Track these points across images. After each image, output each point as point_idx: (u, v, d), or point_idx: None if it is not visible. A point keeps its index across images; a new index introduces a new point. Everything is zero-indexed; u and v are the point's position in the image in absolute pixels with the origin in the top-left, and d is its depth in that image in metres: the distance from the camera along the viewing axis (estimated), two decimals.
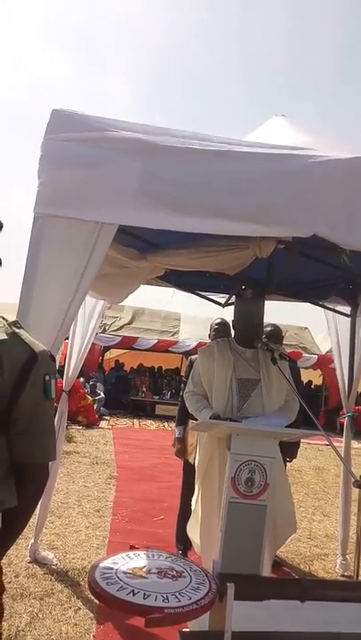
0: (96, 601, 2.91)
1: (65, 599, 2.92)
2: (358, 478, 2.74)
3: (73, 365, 3.51)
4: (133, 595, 1.19)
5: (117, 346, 13.56)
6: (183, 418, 3.71)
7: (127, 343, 13.28)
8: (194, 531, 2.87)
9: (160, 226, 1.93)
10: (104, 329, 12.84)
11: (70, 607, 2.84)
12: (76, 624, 2.67)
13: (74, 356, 3.51)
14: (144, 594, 1.20)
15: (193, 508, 2.91)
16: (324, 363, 12.75)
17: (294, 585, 1.54)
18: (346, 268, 2.39)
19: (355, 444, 5.96)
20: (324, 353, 13.16)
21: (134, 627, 2.69)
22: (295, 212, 1.91)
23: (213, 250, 2.63)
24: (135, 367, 15.28)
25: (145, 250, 2.68)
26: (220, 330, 3.84)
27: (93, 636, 2.58)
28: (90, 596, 2.96)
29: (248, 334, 2.87)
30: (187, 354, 11.46)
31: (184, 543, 3.58)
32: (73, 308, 1.85)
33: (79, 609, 2.83)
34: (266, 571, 2.75)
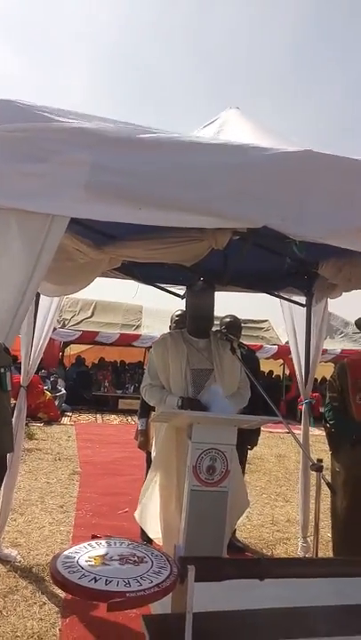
0: (61, 595, 2.91)
1: (29, 595, 2.90)
2: (315, 462, 2.83)
3: (31, 361, 3.46)
4: (95, 581, 1.20)
5: (78, 341, 13.40)
6: (146, 410, 3.72)
7: (88, 338, 13.15)
8: (147, 519, 2.88)
9: (112, 218, 1.93)
10: (63, 324, 12.67)
11: (35, 603, 2.82)
12: (41, 619, 2.66)
13: (32, 351, 3.47)
14: (106, 580, 1.22)
15: (143, 497, 2.92)
16: (284, 353, 13.01)
17: (253, 564, 1.59)
18: (298, 258, 2.45)
19: (315, 430, 6.15)
20: (284, 343, 13.42)
21: (100, 618, 2.71)
22: (247, 204, 1.94)
23: (170, 241, 2.65)
24: (97, 362, 15.17)
25: (101, 241, 2.66)
26: (180, 321, 3.86)
27: (59, 630, 2.58)
28: (55, 590, 2.96)
29: (200, 325, 2.93)
30: (150, 347, 11.45)
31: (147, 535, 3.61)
32: (26, 302, 1.83)
33: (44, 604, 2.82)
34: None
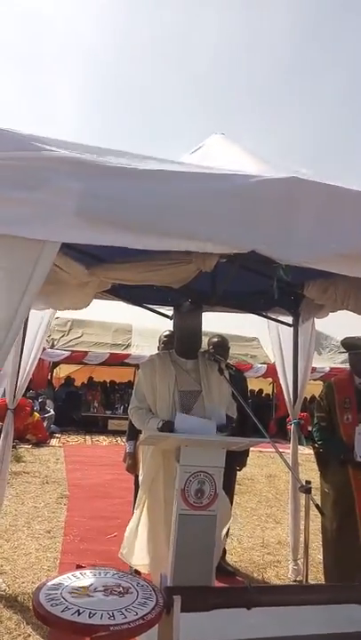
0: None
1: (14, 626, 2.82)
2: (304, 483, 2.82)
3: (19, 382, 3.44)
4: (79, 614, 1.17)
5: (67, 361, 13.32)
6: (134, 432, 3.68)
7: (77, 358, 13.07)
8: (134, 549, 2.82)
9: (102, 242, 1.95)
10: (52, 344, 12.60)
11: (20, 635, 2.75)
12: None
13: (20, 373, 3.44)
14: (89, 612, 1.19)
15: (129, 532, 2.87)
16: (274, 371, 13.02)
17: (240, 593, 1.57)
18: (284, 280, 2.49)
19: (305, 450, 6.13)
20: (273, 362, 13.43)
21: None
22: (234, 229, 1.98)
23: (158, 264, 2.67)
24: (86, 382, 15.06)
25: (90, 264, 2.68)
26: (168, 342, 3.86)
27: None
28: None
29: (188, 345, 2.94)
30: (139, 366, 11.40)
31: None
32: (16, 324, 1.83)
33: (29, 636, 2.75)
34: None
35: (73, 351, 12.83)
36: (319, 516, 3.19)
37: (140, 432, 3.49)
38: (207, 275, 2.92)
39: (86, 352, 12.93)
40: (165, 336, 3.94)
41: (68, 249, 2.42)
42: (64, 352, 12.72)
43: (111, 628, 1.14)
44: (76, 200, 1.80)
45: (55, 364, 14.01)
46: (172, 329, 4.00)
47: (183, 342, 2.94)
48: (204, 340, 3.36)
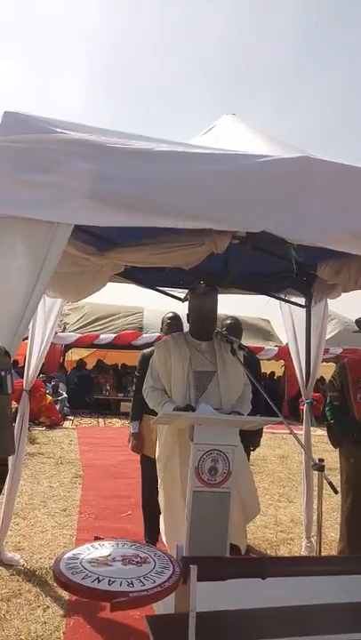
0: (65, 598, 2.92)
1: (33, 599, 2.91)
2: (317, 461, 2.85)
3: (33, 365, 3.49)
4: (98, 582, 1.22)
5: (78, 344, 13.35)
6: (138, 413, 3.73)
7: (87, 340, 13.11)
8: (161, 525, 2.91)
9: (114, 224, 1.97)
10: (64, 328, 12.68)
11: (39, 606, 2.83)
12: (45, 622, 2.67)
13: (34, 355, 3.49)
14: (109, 580, 1.23)
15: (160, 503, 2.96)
16: (285, 353, 13.01)
17: (255, 564, 1.61)
18: (297, 261, 2.49)
19: (317, 431, 6.16)
20: (285, 344, 13.42)
21: (103, 620, 2.72)
22: (245, 209, 1.99)
23: (171, 246, 2.68)
24: (96, 365, 15.16)
25: (103, 247, 2.70)
26: (172, 324, 3.88)
27: (63, 633, 2.59)
28: (59, 593, 2.98)
29: (202, 327, 2.95)
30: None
31: (151, 536, 3.62)
32: (30, 308, 1.86)
33: (48, 607, 2.83)
34: (243, 542, 2.91)
35: (83, 334, 12.87)
36: (332, 494, 3.24)
37: (144, 413, 3.54)
38: (219, 256, 2.93)
39: (97, 335, 12.97)
40: (169, 318, 3.95)
41: (82, 232, 2.44)
42: (75, 335, 12.78)
43: (130, 595, 1.18)
44: (89, 182, 1.81)
45: (67, 348, 14.11)
46: (174, 312, 4.03)
47: (198, 324, 2.95)
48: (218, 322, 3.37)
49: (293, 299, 4.12)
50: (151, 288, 3.97)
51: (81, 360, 15.00)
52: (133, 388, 3.83)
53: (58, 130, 1.80)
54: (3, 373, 1.27)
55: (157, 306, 12.80)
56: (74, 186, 1.79)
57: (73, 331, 12.99)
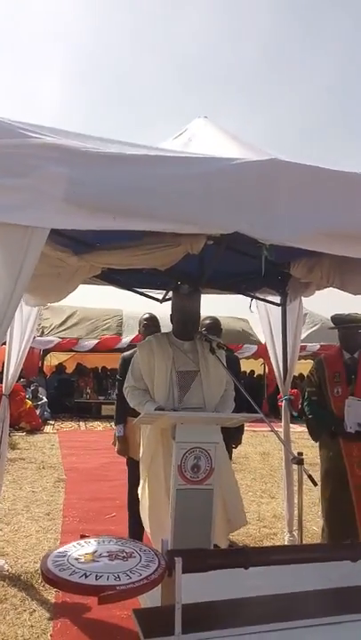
0: (51, 601, 2.93)
1: (19, 603, 2.91)
2: (296, 455, 2.92)
3: (12, 369, 3.48)
4: (86, 577, 1.25)
5: (57, 348, 13.29)
6: (122, 416, 3.75)
7: (67, 346, 13.06)
8: (145, 524, 2.94)
9: (90, 227, 2.00)
10: (42, 332, 12.59)
11: (25, 610, 2.84)
12: (32, 626, 2.68)
13: (12, 359, 3.49)
14: (96, 575, 1.27)
15: (140, 498, 2.98)
16: (264, 352, 13.16)
17: (238, 554, 1.66)
18: (270, 260, 2.56)
19: (297, 427, 6.26)
20: (263, 342, 13.57)
21: (90, 620, 2.75)
22: (217, 211, 2.04)
23: (147, 248, 2.71)
24: (76, 368, 15.08)
25: (80, 250, 2.72)
26: (149, 325, 3.92)
27: (50, 635, 2.60)
28: (45, 597, 2.99)
29: (186, 327, 2.98)
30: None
31: (135, 537, 3.64)
32: (9, 313, 1.87)
33: (34, 611, 2.84)
34: (224, 542, 2.91)
35: (63, 339, 12.81)
36: (313, 488, 3.31)
37: (128, 415, 3.56)
38: (195, 257, 2.97)
39: (76, 340, 12.92)
40: (145, 319, 3.99)
41: (58, 236, 2.45)
42: (54, 340, 12.71)
43: (117, 588, 1.22)
44: (64, 186, 1.83)
45: (46, 352, 14.00)
46: (150, 312, 4.07)
47: (181, 324, 2.98)
48: None
49: (269, 297, 4.19)
50: (129, 289, 3.99)
51: (60, 364, 14.91)
52: (116, 392, 3.85)
53: (32, 134, 1.82)
54: None
55: (137, 308, 12.84)
56: (49, 190, 1.81)
57: (52, 334, 12.89)
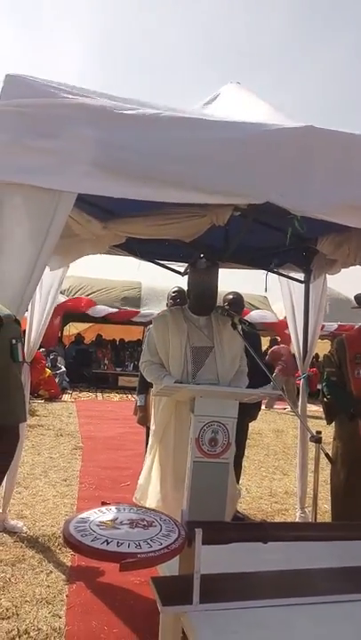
0: (67, 563, 3.01)
1: (36, 564, 2.99)
2: (314, 433, 2.90)
3: (34, 336, 3.51)
4: (107, 544, 1.26)
5: (75, 306, 13.14)
6: (144, 386, 3.76)
7: (88, 305, 12.99)
8: (144, 497, 2.95)
9: (117, 194, 1.95)
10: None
11: (42, 571, 2.91)
12: (48, 586, 2.75)
13: (34, 326, 3.51)
14: (117, 542, 1.28)
15: (142, 478, 2.99)
16: (281, 329, 13.09)
17: (257, 528, 1.66)
18: (298, 234, 2.48)
19: (312, 407, 6.25)
20: (281, 319, 13.51)
21: (105, 584, 2.81)
22: (249, 179, 1.97)
23: (172, 218, 2.67)
24: (95, 340, 15.22)
25: (104, 218, 2.69)
26: (177, 297, 3.89)
27: (66, 596, 2.67)
28: (61, 559, 3.06)
29: (202, 303, 2.94)
30: (148, 324, 11.42)
31: None
32: (36, 275, 1.86)
33: (51, 572, 2.91)
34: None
35: (83, 298, 12.79)
36: (325, 467, 3.30)
37: (150, 386, 3.58)
38: (220, 230, 2.92)
39: (94, 303, 12.88)
40: (174, 292, 3.96)
41: (84, 203, 2.42)
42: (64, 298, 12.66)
43: (138, 556, 1.23)
44: (92, 148, 1.79)
45: (65, 321, 14.11)
46: (179, 286, 4.04)
47: (198, 299, 2.93)
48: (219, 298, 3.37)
49: (293, 274, 4.13)
50: (150, 261, 3.97)
51: (79, 334, 15.05)
52: (141, 362, 3.87)
53: (63, 94, 1.77)
54: (14, 341, 1.29)
55: (155, 281, 12.83)
56: (78, 152, 1.76)
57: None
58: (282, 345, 11.89)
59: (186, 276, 4.08)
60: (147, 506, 2.95)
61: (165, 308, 4.10)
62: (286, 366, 10.47)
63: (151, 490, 2.91)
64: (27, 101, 1.73)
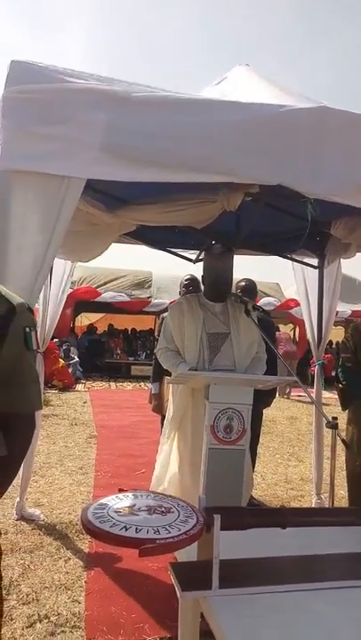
0: (85, 550, 3.04)
1: (54, 551, 3.02)
2: (330, 419, 2.88)
3: (47, 326, 3.52)
4: (126, 530, 1.26)
5: (83, 293, 13.10)
6: (159, 374, 3.77)
7: (96, 294, 12.95)
8: (161, 483, 2.95)
9: (126, 178, 1.93)
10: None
11: (60, 558, 2.95)
12: (67, 572, 2.78)
13: (47, 317, 3.52)
14: (136, 528, 1.28)
15: (161, 459, 3.00)
16: (295, 316, 13.02)
17: (275, 514, 1.65)
18: (311, 217, 2.45)
19: (326, 393, 6.22)
20: (285, 300, 13.48)
21: (122, 570, 2.83)
22: (261, 161, 1.94)
23: (182, 204, 2.64)
24: (107, 330, 15.28)
25: (114, 205, 2.67)
26: (189, 285, 3.88)
27: (85, 582, 2.70)
28: (79, 546, 3.09)
29: (217, 289, 2.92)
30: (160, 314, 11.40)
31: None
32: (47, 263, 1.85)
33: (69, 559, 2.94)
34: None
35: (93, 289, 12.76)
36: (341, 454, 3.27)
37: (164, 374, 3.58)
38: (231, 216, 2.88)
39: (99, 292, 12.83)
40: (186, 280, 3.96)
41: (93, 191, 2.40)
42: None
43: (157, 542, 1.22)
44: (101, 134, 1.77)
45: (77, 312, 14.14)
46: (192, 274, 4.02)
47: (213, 285, 2.92)
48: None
49: (306, 259, 4.08)
50: (161, 249, 3.95)
51: (91, 324, 15.11)
52: (155, 351, 3.88)
53: (69, 79, 1.74)
54: (27, 330, 1.29)
55: (165, 271, 12.77)
56: (85, 137, 1.74)
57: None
58: (282, 332, 11.97)
59: (197, 264, 4.09)
60: (165, 492, 2.97)
61: (178, 296, 4.09)
62: (287, 351, 10.48)
63: (169, 476, 2.92)
64: (33, 87, 1.70)
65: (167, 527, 1.30)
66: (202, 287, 3.15)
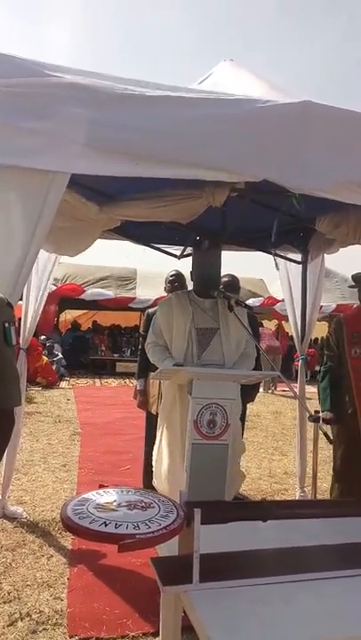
0: (68, 547, 3.02)
1: (37, 549, 3.00)
2: (313, 413, 2.90)
3: (29, 323, 3.48)
4: (105, 525, 1.26)
5: (68, 290, 12.96)
6: (144, 371, 3.77)
7: (78, 291, 12.85)
8: (158, 477, 2.97)
9: (111, 173, 1.91)
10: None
11: (43, 555, 2.93)
12: (49, 570, 2.76)
13: (29, 313, 3.48)
14: (115, 524, 1.27)
15: (155, 456, 3.00)
16: (278, 312, 13.08)
17: (256, 507, 1.66)
18: (296, 213, 2.45)
19: (310, 388, 6.26)
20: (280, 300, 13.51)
21: (106, 567, 2.83)
22: (245, 157, 1.94)
23: (168, 199, 2.63)
24: (92, 326, 15.20)
25: (99, 201, 2.65)
26: (175, 281, 3.87)
27: (68, 579, 2.68)
28: (62, 543, 3.07)
29: (206, 285, 2.92)
30: (144, 310, 11.35)
31: (150, 489, 3.71)
32: (30, 258, 1.83)
33: (51, 556, 2.92)
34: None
35: (76, 285, 12.64)
36: (324, 447, 3.30)
37: (150, 370, 3.58)
38: (216, 212, 2.88)
39: (83, 290, 12.72)
40: (172, 276, 3.95)
41: (78, 186, 2.38)
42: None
43: (137, 537, 1.22)
44: (85, 129, 1.75)
45: (61, 309, 14.05)
46: (177, 269, 4.01)
47: (201, 281, 2.92)
48: None
49: (290, 255, 4.09)
50: (146, 245, 3.93)
51: (75, 321, 15.01)
52: (139, 347, 3.87)
53: (52, 73, 1.72)
54: (7, 325, 1.27)
55: (150, 267, 12.74)
56: (70, 133, 1.72)
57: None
58: (265, 327, 12.15)
59: (182, 260, 4.08)
60: (157, 484, 2.97)
61: (164, 292, 4.08)
62: (270, 346, 10.55)
63: (162, 469, 2.92)
64: (15, 81, 1.68)
65: (147, 522, 1.29)
66: (187, 283, 3.14)
